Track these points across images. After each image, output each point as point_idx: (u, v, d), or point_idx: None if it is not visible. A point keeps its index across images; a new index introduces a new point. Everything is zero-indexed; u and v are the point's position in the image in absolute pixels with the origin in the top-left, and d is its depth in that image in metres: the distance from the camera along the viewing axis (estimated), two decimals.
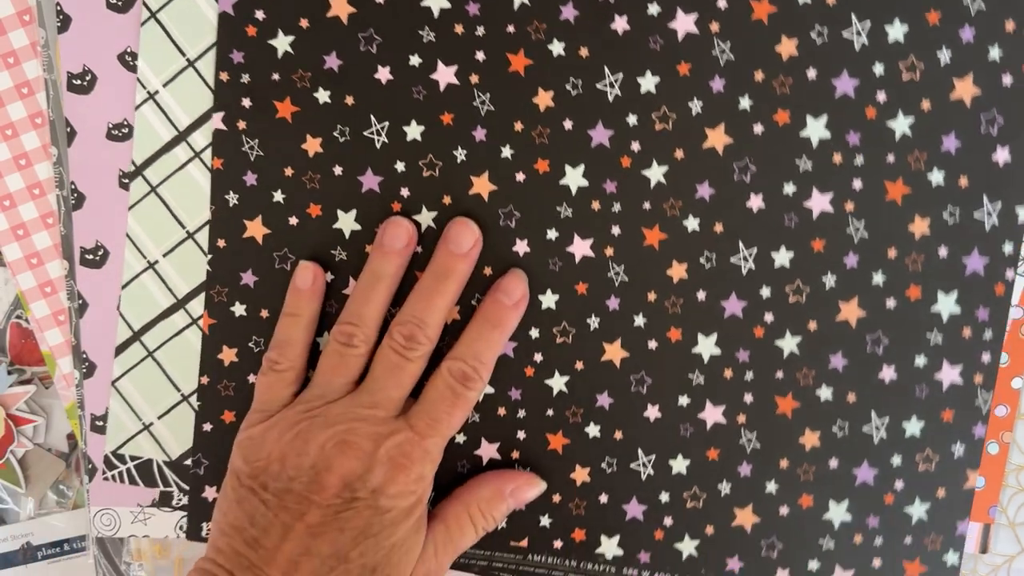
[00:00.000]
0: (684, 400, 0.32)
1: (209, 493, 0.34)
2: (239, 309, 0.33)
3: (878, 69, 0.30)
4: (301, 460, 0.28)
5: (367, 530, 0.28)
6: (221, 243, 0.32)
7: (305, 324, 0.31)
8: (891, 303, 0.31)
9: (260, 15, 0.31)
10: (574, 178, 0.31)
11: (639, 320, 0.32)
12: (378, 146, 0.31)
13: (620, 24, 0.30)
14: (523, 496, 0.32)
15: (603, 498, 0.33)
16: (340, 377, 0.30)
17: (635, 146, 0.31)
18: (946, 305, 0.31)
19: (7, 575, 0.37)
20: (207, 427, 0.33)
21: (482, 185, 0.31)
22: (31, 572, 0.37)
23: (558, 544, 0.33)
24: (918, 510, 0.32)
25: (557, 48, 0.31)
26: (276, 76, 0.31)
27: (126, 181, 0.33)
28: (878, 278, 0.31)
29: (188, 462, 0.34)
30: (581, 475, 0.33)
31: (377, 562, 0.28)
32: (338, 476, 0.28)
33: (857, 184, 0.31)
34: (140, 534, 0.34)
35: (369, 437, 0.29)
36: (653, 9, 0.30)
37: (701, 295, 0.32)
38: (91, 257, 0.33)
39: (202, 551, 0.35)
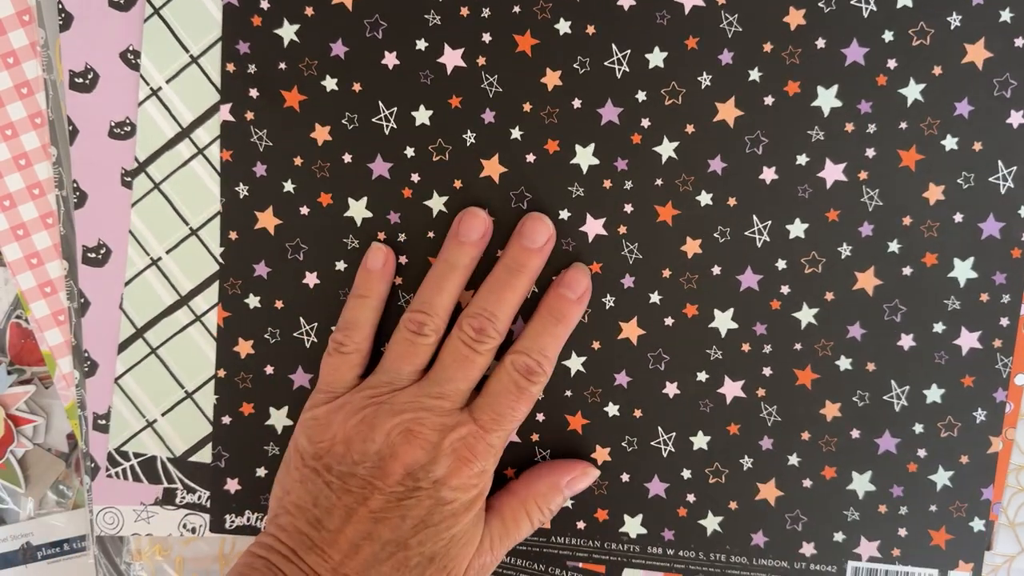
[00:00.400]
0: (703, 376, 0.34)
1: (231, 486, 0.35)
2: (253, 301, 0.34)
3: (887, 36, 0.32)
4: (366, 446, 0.30)
5: (428, 520, 0.30)
6: (233, 235, 0.34)
7: (373, 306, 0.33)
8: (907, 271, 0.33)
9: (265, 5, 0.32)
10: (585, 157, 0.33)
11: (655, 297, 0.33)
12: (387, 132, 0.33)
13: (626, 0, 0.32)
14: (578, 486, 0.33)
15: (625, 477, 0.35)
16: (408, 365, 0.31)
17: (645, 122, 0.32)
18: (963, 271, 0.33)
19: (7, 575, 0.38)
20: (226, 420, 0.35)
21: (492, 167, 0.33)
22: (31, 572, 0.39)
23: (581, 525, 0.35)
24: (942, 478, 0.34)
25: (564, 27, 0.32)
26: (283, 65, 0.32)
27: (128, 179, 0.34)
28: (894, 246, 0.33)
29: (194, 458, 0.35)
30: (602, 455, 0.34)
31: (436, 552, 0.30)
32: (402, 464, 0.29)
33: (870, 152, 0.32)
34: (143, 532, 0.36)
35: (435, 428, 0.30)
36: None
37: (716, 270, 0.33)
38: (93, 255, 0.34)
39: (203, 549, 0.37)
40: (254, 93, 0.33)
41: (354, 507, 0.29)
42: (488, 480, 0.31)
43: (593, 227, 0.33)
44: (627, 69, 0.32)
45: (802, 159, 0.32)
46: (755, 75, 0.32)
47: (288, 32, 0.32)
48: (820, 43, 0.32)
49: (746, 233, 0.33)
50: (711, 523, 0.35)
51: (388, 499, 0.29)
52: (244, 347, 0.34)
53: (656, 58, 0.32)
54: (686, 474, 0.34)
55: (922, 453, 0.34)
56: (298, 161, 0.33)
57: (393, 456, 0.30)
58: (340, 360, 0.32)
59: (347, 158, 0.33)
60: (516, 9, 0.32)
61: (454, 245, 0.32)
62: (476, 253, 0.32)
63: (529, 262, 0.32)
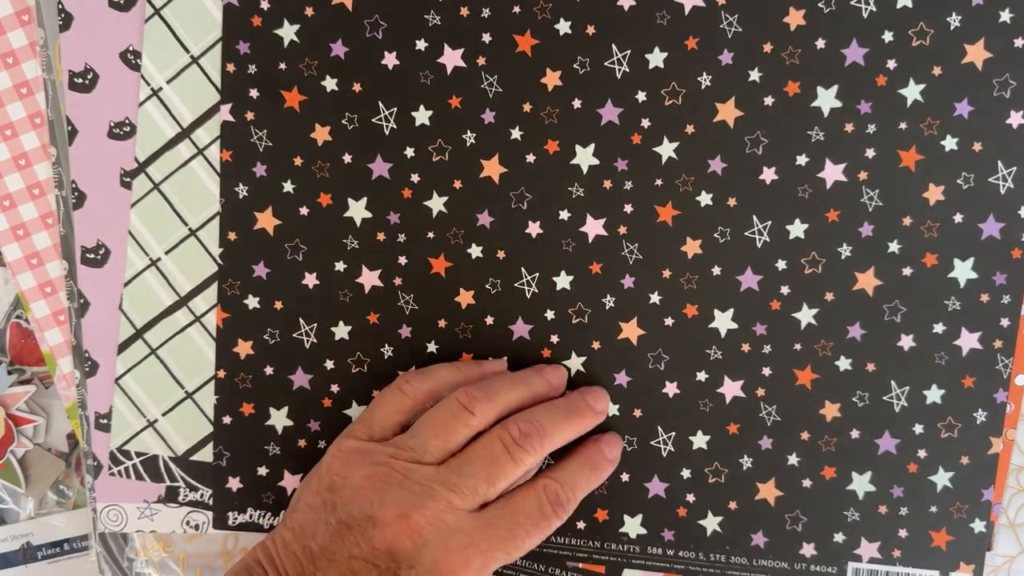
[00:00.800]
0: (702, 376, 0.34)
1: (233, 484, 0.36)
2: (252, 302, 0.35)
3: (887, 36, 0.32)
4: (364, 507, 0.29)
5: None
6: (232, 236, 0.34)
7: (457, 379, 0.33)
8: (907, 271, 0.33)
9: (265, 5, 0.33)
10: (585, 157, 0.33)
11: (655, 297, 0.34)
12: (387, 132, 0.33)
13: (626, 0, 0.32)
14: None
15: (624, 477, 0.35)
16: (440, 440, 0.31)
17: (645, 123, 0.33)
18: (963, 271, 0.33)
19: (7, 575, 0.39)
20: (227, 420, 0.35)
21: (492, 168, 0.34)
22: (31, 572, 0.39)
23: (581, 525, 0.36)
24: (942, 478, 0.34)
25: (564, 27, 0.32)
26: (283, 66, 0.33)
27: (127, 180, 0.34)
28: (894, 246, 0.33)
29: (196, 457, 0.36)
30: None
31: None
32: (386, 543, 0.29)
33: (870, 153, 0.33)
34: (147, 529, 0.36)
35: (432, 522, 0.29)
36: None
37: (716, 270, 0.34)
38: (92, 256, 0.35)
39: (205, 546, 0.37)
40: (254, 93, 0.33)
41: (339, 560, 0.29)
42: None
43: (593, 227, 0.34)
44: (627, 69, 0.33)
45: (802, 159, 0.33)
46: (755, 75, 0.32)
47: (288, 32, 0.33)
48: (820, 43, 0.32)
49: (746, 233, 0.33)
50: (711, 523, 0.35)
51: (369, 570, 0.29)
52: (244, 348, 0.35)
53: (656, 58, 0.33)
54: (686, 474, 0.35)
55: (922, 454, 0.34)
56: (298, 161, 0.34)
57: (383, 531, 0.29)
58: (393, 397, 0.32)
59: (347, 158, 0.34)
60: (516, 9, 0.32)
61: (537, 375, 0.33)
62: (547, 392, 0.33)
63: (588, 415, 0.33)
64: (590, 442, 0.33)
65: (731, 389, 0.34)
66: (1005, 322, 0.33)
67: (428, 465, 0.30)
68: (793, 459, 0.35)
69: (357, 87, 0.33)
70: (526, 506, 0.30)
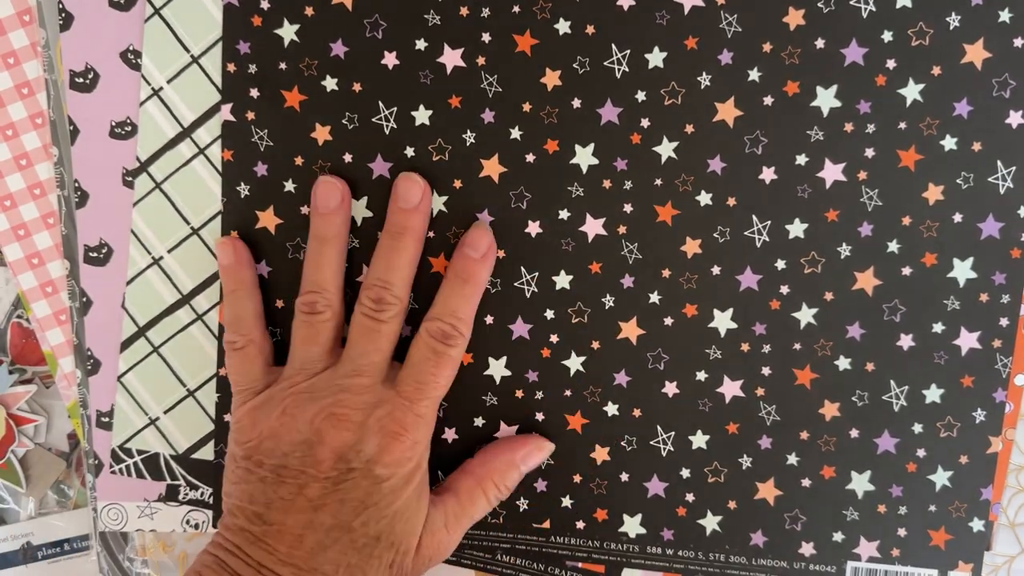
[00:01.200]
0: (702, 375, 0.34)
1: None
2: None
3: (887, 36, 0.32)
4: (293, 436, 0.30)
5: (367, 500, 0.30)
6: (233, 235, 0.34)
7: (247, 296, 0.33)
8: (907, 271, 0.33)
9: (265, 5, 0.33)
10: (584, 157, 0.33)
11: (654, 297, 0.34)
12: (387, 132, 0.33)
13: (626, 0, 0.32)
14: (532, 461, 0.34)
15: (624, 476, 0.35)
16: (314, 346, 0.32)
17: (645, 122, 0.33)
18: (962, 271, 0.33)
19: (7, 575, 0.39)
20: (228, 418, 0.35)
21: (492, 167, 0.33)
22: (31, 572, 0.39)
23: (580, 525, 0.36)
24: (941, 478, 0.34)
25: (563, 27, 0.32)
26: (283, 65, 0.33)
27: (130, 179, 0.34)
28: (893, 246, 0.33)
29: (197, 455, 0.36)
30: (601, 454, 0.35)
31: (380, 531, 0.30)
32: (331, 448, 0.30)
33: (869, 153, 0.33)
34: (147, 528, 0.36)
35: (357, 407, 0.30)
36: None
37: (716, 270, 0.34)
38: (95, 255, 0.35)
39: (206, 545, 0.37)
40: (255, 93, 0.33)
41: (291, 498, 0.30)
42: (423, 451, 0.31)
43: (593, 227, 0.34)
44: (627, 69, 0.33)
45: (801, 159, 0.33)
46: (755, 75, 0.32)
47: (288, 32, 0.33)
48: (819, 43, 0.32)
49: (746, 233, 0.33)
50: (710, 523, 0.35)
51: (324, 485, 0.30)
52: None
53: (656, 58, 0.32)
54: (685, 473, 0.35)
55: (921, 453, 0.34)
56: (299, 161, 0.34)
57: (321, 442, 0.30)
58: (238, 357, 0.33)
59: (347, 158, 0.34)
60: (516, 9, 0.32)
61: (317, 219, 0.33)
62: (342, 220, 0.33)
63: (409, 222, 0.32)
64: (454, 253, 0.33)
65: (731, 389, 0.34)
66: (1004, 322, 0.33)
67: (323, 373, 0.31)
68: (792, 459, 0.35)
69: (357, 87, 0.33)
70: (420, 354, 0.32)
